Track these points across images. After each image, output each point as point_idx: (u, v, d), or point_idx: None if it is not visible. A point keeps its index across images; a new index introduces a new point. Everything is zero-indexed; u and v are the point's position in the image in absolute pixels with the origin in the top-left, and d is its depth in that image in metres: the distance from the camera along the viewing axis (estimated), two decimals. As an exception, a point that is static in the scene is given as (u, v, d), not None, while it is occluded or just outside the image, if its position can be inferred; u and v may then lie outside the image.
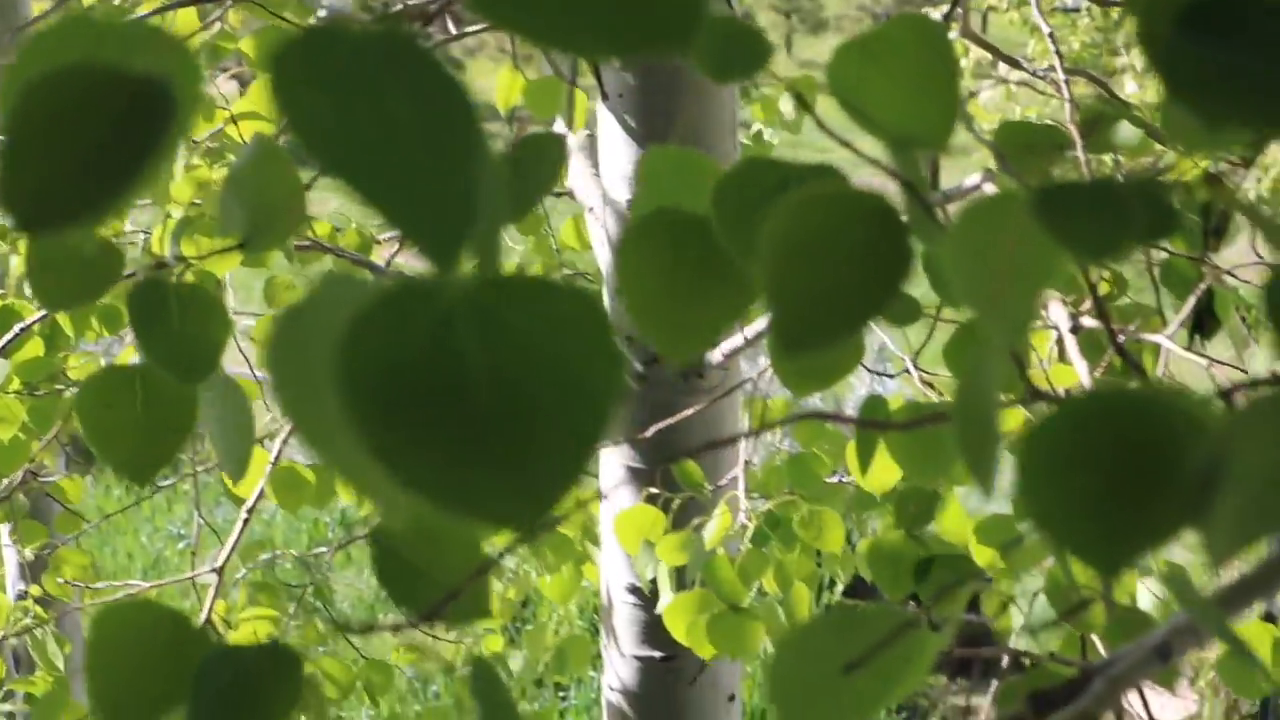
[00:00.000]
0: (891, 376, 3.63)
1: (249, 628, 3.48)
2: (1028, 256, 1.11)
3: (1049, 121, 2.52)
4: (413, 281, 0.94)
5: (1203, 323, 2.36)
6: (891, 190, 1.26)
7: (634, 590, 3.41)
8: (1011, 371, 1.54)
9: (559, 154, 1.79)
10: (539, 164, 1.78)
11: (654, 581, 3.24)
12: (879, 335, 4.36)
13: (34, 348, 3.70)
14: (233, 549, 3.25)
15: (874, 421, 1.52)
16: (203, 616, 3.23)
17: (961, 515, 2.90)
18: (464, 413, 0.93)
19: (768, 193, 1.36)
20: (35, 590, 4.15)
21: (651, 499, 3.20)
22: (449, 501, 0.94)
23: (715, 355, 3.21)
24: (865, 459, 2.41)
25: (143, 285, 1.80)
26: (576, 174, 3.44)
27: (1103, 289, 2.97)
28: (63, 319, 3.61)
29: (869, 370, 3.85)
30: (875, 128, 1.42)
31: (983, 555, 3.01)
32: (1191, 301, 2.46)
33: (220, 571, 3.28)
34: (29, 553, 4.33)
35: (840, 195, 1.07)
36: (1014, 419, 2.32)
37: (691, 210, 1.53)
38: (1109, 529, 1.04)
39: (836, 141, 1.52)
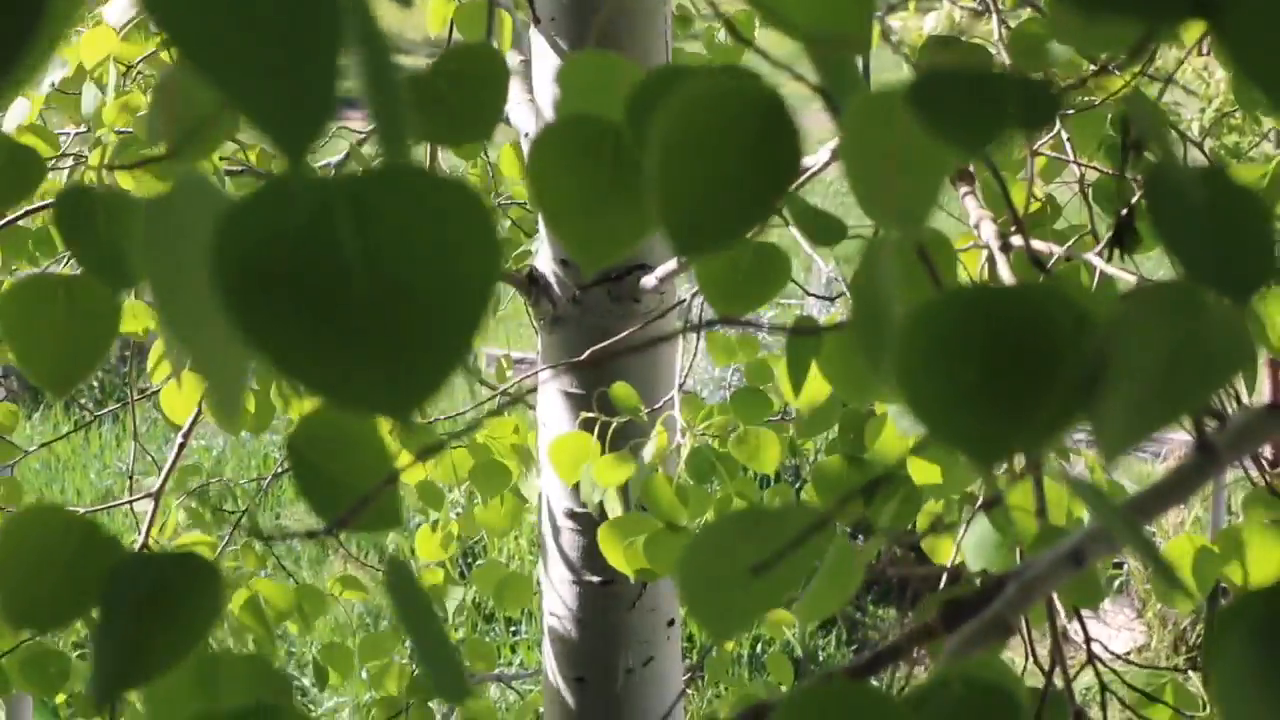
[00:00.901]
0: (832, 300, 3.64)
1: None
2: (915, 150, 1.11)
3: (979, 41, 2.51)
4: (290, 175, 0.93)
5: (1122, 238, 2.36)
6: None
7: (571, 515, 3.41)
8: (921, 273, 1.54)
9: (497, 67, 1.78)
10: (479, 80, 1.77)
11: (599, 506, 3.24)
12: (822, 263, 4.36)
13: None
14: (167, 474, 3.24)
15: (799, 329, 1.52)
16: (139, 542, 3.22)
17: (896, 435, 2.91)
18: (340, 301, 0.93)
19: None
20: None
21: (587, 424, 3.20)
22: (326, 391, 0.94)
23: (650, 279, 3.20)
24: (797, 376, 2.41)
25: (69, 194, 1.79)
26: (512, 100, 3.43)
27: (1035, 209, 2.97)
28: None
29: (815, 297, 3.85)
30: (789, 27, 1.41)
31: (921, 474, 3.02)
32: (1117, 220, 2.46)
33: (157, 497, 3.27)
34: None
35: (729, 91, 1.07)
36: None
37: (609, 117, 1.52)
38: (986, 420, 1.04)
39: (780, 70, 1.51)
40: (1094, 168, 2.81)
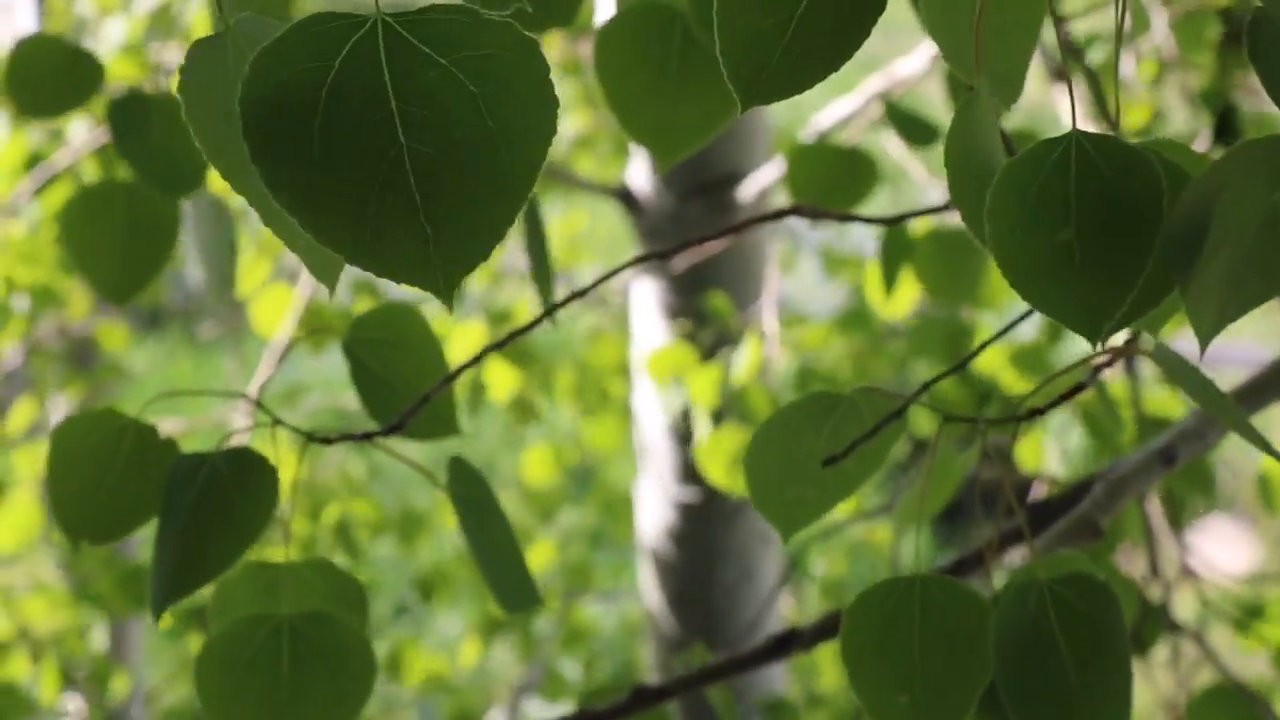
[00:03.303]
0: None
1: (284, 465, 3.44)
2: (999, 7, 1.04)
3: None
4: (325, 14, 0.88)
5: (1223, 133, 2.27)
6: None
7: (668, 430, 3.35)
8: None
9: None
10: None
11: (683, 416, 3.19)
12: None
13: (67, 191, 3.66)
14: (261, 388, 3.20)
15: (891, 218, 1.45)
16: (249, 398, 3.19)
17: (994, 347, 2.84)
18: (377, 150, 0.87)
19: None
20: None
21: (682, 335, 3.15)
22: (357, 256, 0.88)
23: (748, 191, 3.14)
24: (891, 276, 2.34)
25: (123, 99, 1.75)
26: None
27: (1141, 117, 2.88)
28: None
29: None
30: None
31: (1019, 385, 2.95)
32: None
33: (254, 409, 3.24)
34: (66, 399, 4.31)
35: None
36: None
37: (674, 3, 1.46)
38: (1085, 286, 0.97)
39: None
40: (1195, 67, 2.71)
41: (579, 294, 1.40)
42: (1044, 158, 0.97)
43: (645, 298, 3.32)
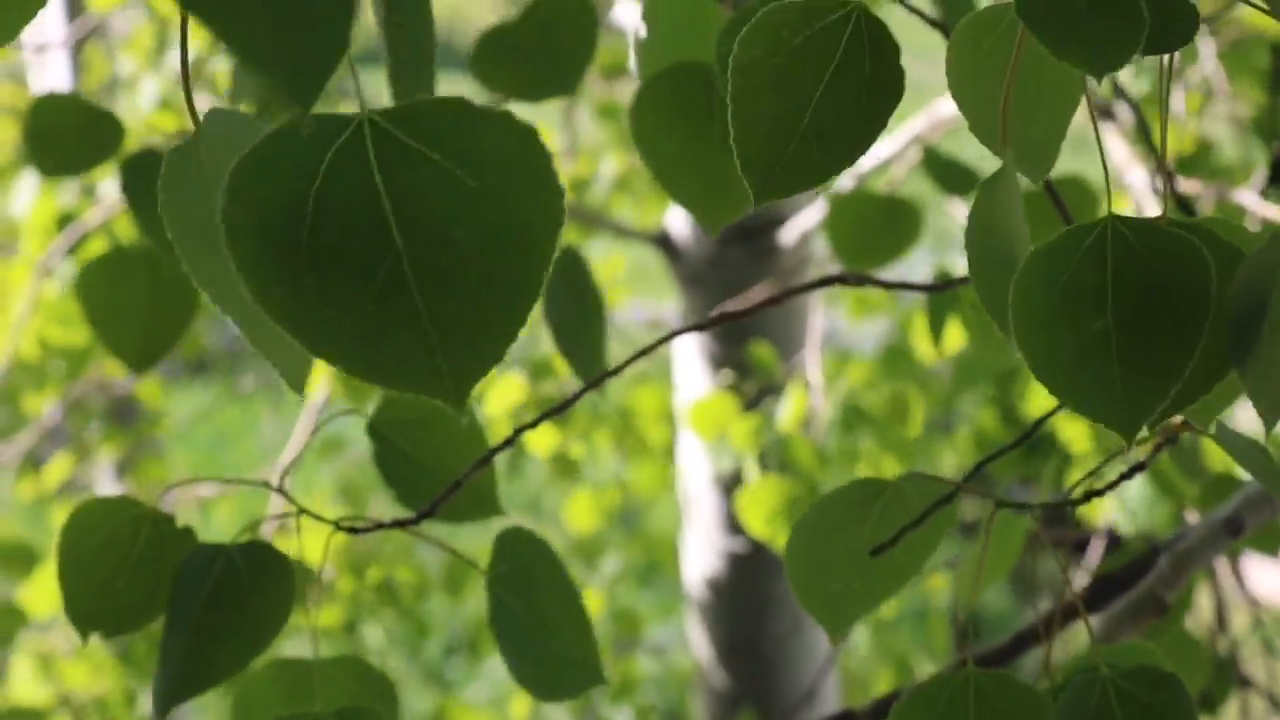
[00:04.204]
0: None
1: (319, 529, 3.40)
2: (1035, 72, 0.98)
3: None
4: (314, 114, 0.82)
5: (1277, 173, 2.20)
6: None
7: (713, 480, 3.29)
8: (1056, 220, 1.40)
9: (586, 16, 1.66)
10: (567, 29, 1.64)
11: (732, 470, 3.13)
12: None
13: (100, 249, 3.63)
14: (300, 449, 3.16)
15: (933, 285, 1.39)
16: (268, 523, 3.15)
17: (1045, 392, 2.77)
18: (372, 259, 0.82)
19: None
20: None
21: (727, 386, 3.10)
22: (361, 372, 0.82)
23: (789, 236, 3.08)
24: (937, 331, 2.28)
25: (136, 159, 1.69)
26: (625, 13, 3.32)
27: (1189, 148, 2.81)
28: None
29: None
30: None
31: (1071, 431, 2.88)
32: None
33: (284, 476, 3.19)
34: (110, 457, 4.28)
35: (810, 6, 0.93)
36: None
37: (708, 63, 1.41)
38: (1120, 381, 0.90)
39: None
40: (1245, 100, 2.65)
41: (621, 368, 1.34)
42: (1076, 245, 0.91)
43: (687, 347, 3.26)
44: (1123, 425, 0.90)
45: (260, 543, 1.26)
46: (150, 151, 1.68)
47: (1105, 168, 0.92)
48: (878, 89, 0.93)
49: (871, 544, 1.13)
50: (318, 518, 1.30)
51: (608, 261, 4.76)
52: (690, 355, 3.27)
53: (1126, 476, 1.11)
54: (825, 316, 3.45)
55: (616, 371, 1.36)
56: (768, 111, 0.92)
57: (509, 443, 1.35)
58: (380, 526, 1.36)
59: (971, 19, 0.97)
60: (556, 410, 1.36)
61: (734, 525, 3.26)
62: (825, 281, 1.35)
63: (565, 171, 4.19)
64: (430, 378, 0.82)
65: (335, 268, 0.81)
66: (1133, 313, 0.90)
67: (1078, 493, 2.54)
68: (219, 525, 6.45)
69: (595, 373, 1.68)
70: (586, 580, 4.49)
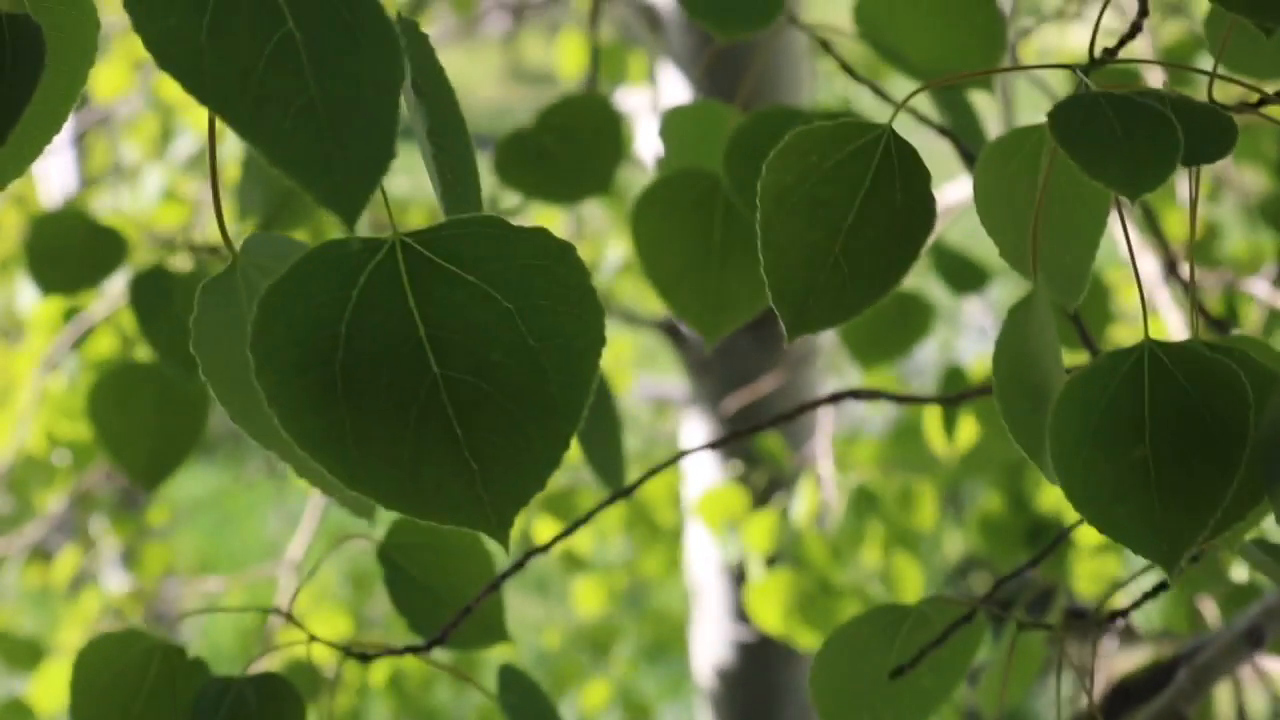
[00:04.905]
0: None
1: (329, 623, 3.39)
2: (1064, 195, 0.97)
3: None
4: (344, 239, 0.81)
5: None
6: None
7: (722, 569, 3.27)
8: (1070, 332, 1.39)
9: (609, 119, 1.65)
10: (590, 133, 1.64)
11: (741, 562, 3.11)
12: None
13: (106, 343, 3.62)
14: (309, 537, 3.15)
15: (946, 398, 1.38)
16: (281, 611, 3.13)
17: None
18: (407, 388, 0.80)
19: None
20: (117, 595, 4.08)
21: (736, 477, 3.08)
22: (399, 505, 0.81)
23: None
24: (951, 429, 2.27)
25: (144, 277, 1.69)
26: (645, 137, 3.31)
27: (1199, 235, 2.80)
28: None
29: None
30: (909, 67, 1.28)
31: (1085, 527, 2.86)
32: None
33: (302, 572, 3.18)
34: (116, 545, 4.27)
35: (838, 130, 0.91)
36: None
37: (716, 171, 1.40)
38: (1159, 511, 0.89)
39: (876, 94, 1.38)
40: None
41: (641, 481, 1.33)
42: (1113, 370, 0.90)
43: (695, 437, 3.25)
44: (1162, 558, 0.89)
45: (270, 675, 1.25)
46: (159, 270, 1.68)
47: (1141, 291, 0.91)
48: (909, 215, 0.92)
49: (895, 666, 1.12)
50: (328, 644, 1.29)
51: (614, 344, 4.76)
52: (698, 440, 3.25)
53: (1151, 596, 1.10)
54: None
55: (637, 485, 1.35)
56: (798, 239, 0.91)
57: (519, 565, 1.33)
58: (391, 652, 1.34)
59: (999, 141, 0.96)
60: (574, 527, 1.35)
61: (743, 614, 3.24)
62: (837, 397, 1.34)
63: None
64: (471, 508, 0.81)
65: (370, 396, 0.80)
66: (1171, 441, 0.89)
67: (1100, 603, 2.52)
68: (225, 623, 6.42)
69: (619, 478, 1.67)
70: (595, 665, 4.46)
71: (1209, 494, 0.88)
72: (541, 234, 0.82)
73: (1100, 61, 0.90)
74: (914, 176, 0.92)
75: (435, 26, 3.88)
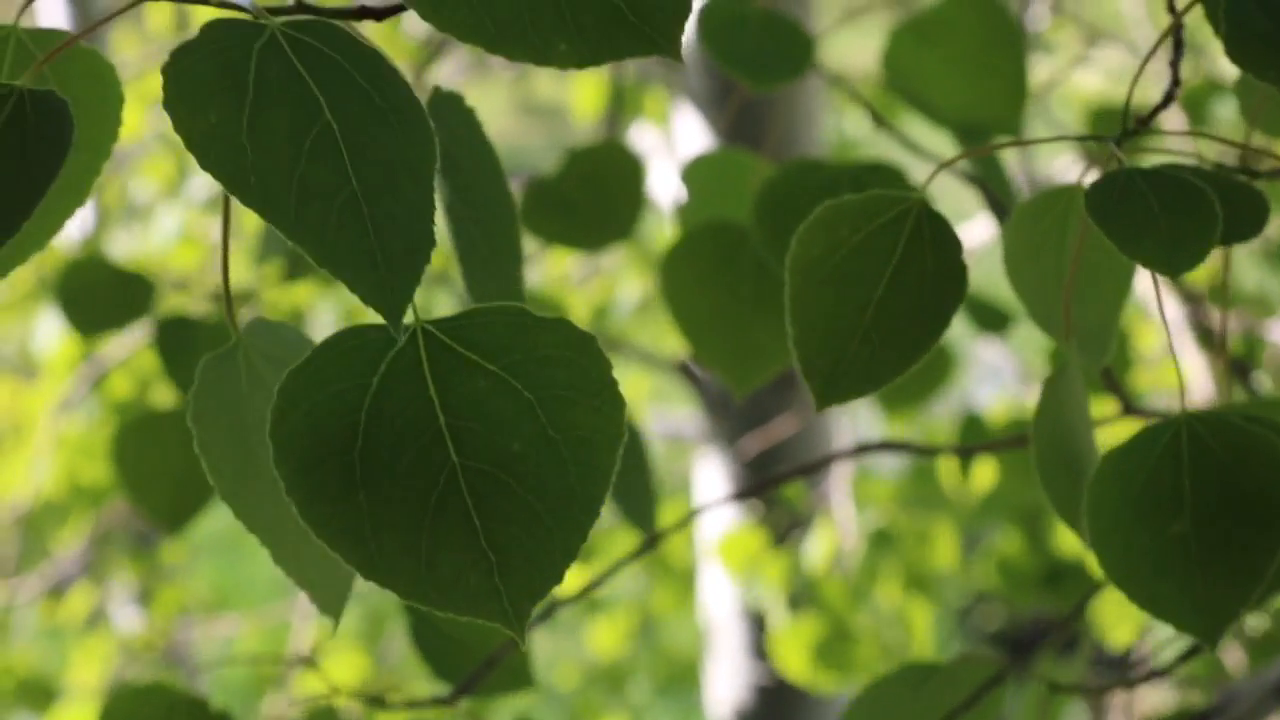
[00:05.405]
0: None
1: (347, 664, 3.38)
2: (1095, 261, 0.96)
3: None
4: (359, 326, 0.81)
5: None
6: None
7: (739, 611, 3.26)
8: (1098, 385, 1.38)
9: (630, 167, 1.65)
10: (612, 181, 1.64)
11: (759, 604, 3.11)
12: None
13: (122, 385, 3.63)
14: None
15: (969, 447, 1.37)
16: (294, 655, 3.12)
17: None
18: (427, 479, 0.80)
19: (812, 198, 1.22)
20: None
21: (753, 515, 3.07)
22: (417, 598, 0.80)
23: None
24: (966, 471, 2.26)
25: (170, 324, 1.70)
26: (659, 178, 3.31)
27: (1215, 278, 2.80)
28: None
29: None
30: (937, 116, 1.28)
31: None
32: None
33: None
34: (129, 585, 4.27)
35: (868, 202, 0.91)
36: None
37: (743, 221, 1.40)
38: (1201, 586, 0.88)
39: (900, 143, 1.38)
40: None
41: (667, 533, 1.32)
42: (1151, 444, 0.89)
43: (712, 478, 3.24)
44: (1205, 634, 0.88)
45: (290, 725, 1.25)
46: (184, 318, 1.69)
47: (1178, 369, 0.91)
48: (940, 286, 0.92)
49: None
50: (351, 697, 1.29)
51: (630, 384, 4.75)
52: (714, 482, 3.24)
53: (1184, 659, 1.10)
54: (852, 433, 3.43)
55: (665, 535, 1.34)
56: (827, 311, 0.91)
57: (547, 615, 1.33)
58: (415, 704, 1.34)
59: (1028, 202, 0.96)
60: (603, 579, 1.35)
61: (760, 654, 3.23)
62: (864, 449, 1.34)
63: (585, 296, 4.18)
64: (488, 600, 0.80)
65: (388, 485, 0.80)
66: (1211, 515, 0.88)
67: (1129, 658, 2.51)
68: (242, 655, 6.41)
69: (649, 521, 1.66)
70: (610, 702, 4.45)
71: (1251, 568, 0.87)
72: (564, 325, 0.82)
73: (1133, 132, 0.89)
74: (945, 246, 0.92)
75: (447, 64, 3.88)
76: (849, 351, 0.91)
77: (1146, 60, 0.89)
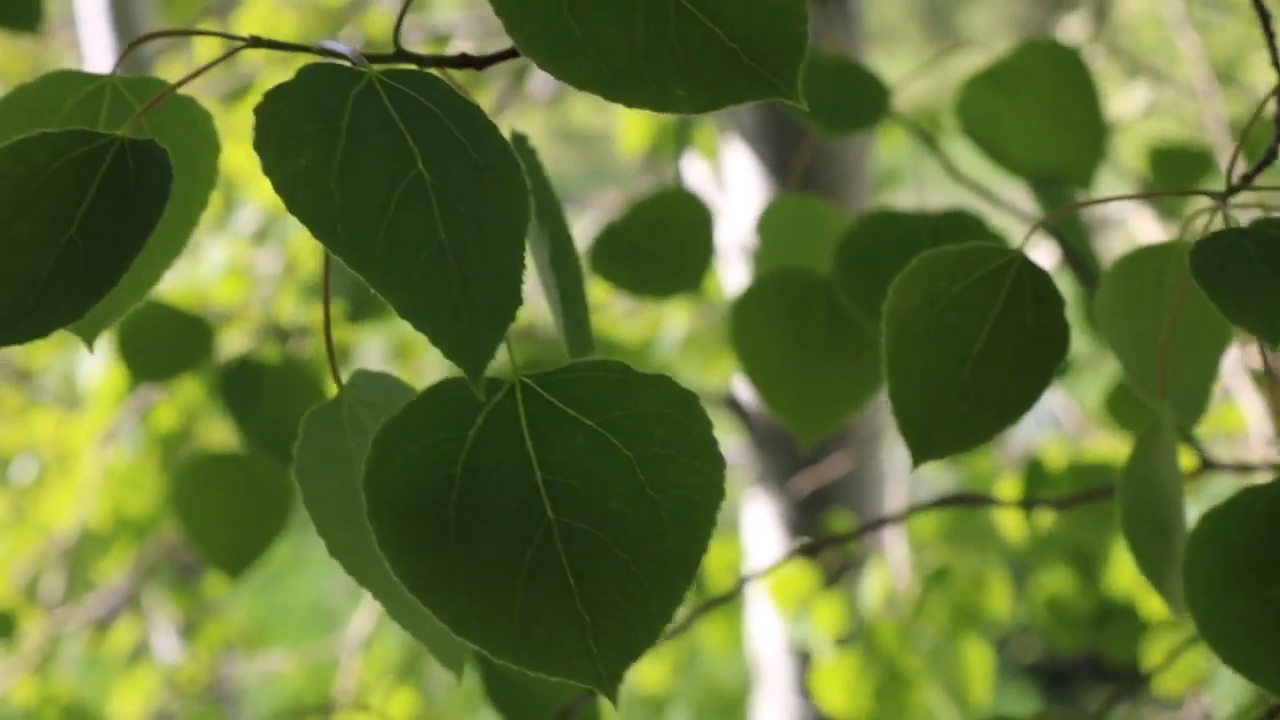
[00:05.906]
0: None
1: (395, 702, 3.36)
2: (1196, 321, 0.95)
3: (1195, 142, 2.35)
4: (457, 379, 0.80)
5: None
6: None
7: (787, 647, 3.25)
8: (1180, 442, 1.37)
9: (700, 214, 1.64)
10: (682, 228, 1.63)
11: (806, 642, 3.09)
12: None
13: (168, 417, 3.63)
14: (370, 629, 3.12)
15: (1030, 502, 1.35)
16: (339, 694, 3.12)
17: (1132, 566, 2.72)
18: (523, 541, 0.79)
19: (894, 248, 1.21)
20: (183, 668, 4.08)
21: (804, 550, 3.05)
22: (509, 657, 0.79)
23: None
24: (1029, 522, 2.25)
25: (234, 368, 1.69)
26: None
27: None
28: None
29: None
30: (1012, 164, 1.27)
31: (1154, 602, 2.83)
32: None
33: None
34: (173, 619, 4.26)
35: (968, 253, 0.90)
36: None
37: (816, 268, 1.38)
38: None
39: (967, 187, 1.37)
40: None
41: (730, 595, 1.31)
42: (1249, 505, 0.87)
43: (761, 516, 3.22)
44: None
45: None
46: (249, 363, 1.68)
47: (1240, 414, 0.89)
48: (1041, 340, 0.90)
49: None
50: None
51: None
52: (764, 519, 3.23)
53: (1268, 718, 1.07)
54: (904, 472, 3.41)
55: (734, 593, 1.33)
56: (925, 363, 0.89)
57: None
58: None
59: (1123, 260, 0.95)
60: (675, 630, 1.33)
61: (806, 692, 3.21)
62: (944, 502, 1.33)
63: (632, 329, 4.17)
64: (581, 661, 0.79)
65: (483, 540, 0.79)
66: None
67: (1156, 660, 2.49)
68: (284, 698, 6.41)
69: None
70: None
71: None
72: (665, 382, 0.81)
73: (1236, 189, 0.88)
74: (1047, 301, 0.90)
75: (483, 92, 3.87)
76: (946, 405, 0.89)
77: (1260, 109, 0.87)
